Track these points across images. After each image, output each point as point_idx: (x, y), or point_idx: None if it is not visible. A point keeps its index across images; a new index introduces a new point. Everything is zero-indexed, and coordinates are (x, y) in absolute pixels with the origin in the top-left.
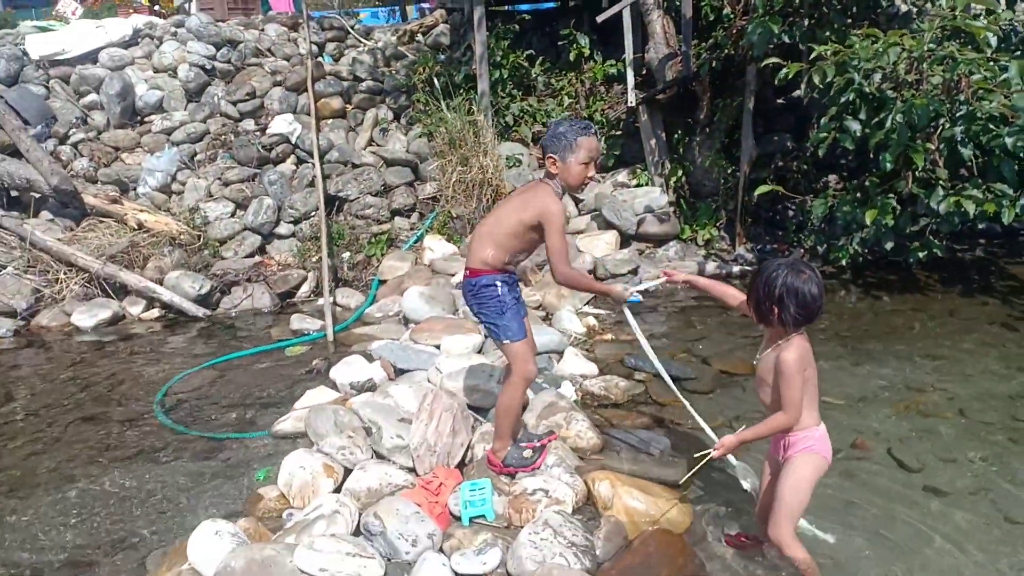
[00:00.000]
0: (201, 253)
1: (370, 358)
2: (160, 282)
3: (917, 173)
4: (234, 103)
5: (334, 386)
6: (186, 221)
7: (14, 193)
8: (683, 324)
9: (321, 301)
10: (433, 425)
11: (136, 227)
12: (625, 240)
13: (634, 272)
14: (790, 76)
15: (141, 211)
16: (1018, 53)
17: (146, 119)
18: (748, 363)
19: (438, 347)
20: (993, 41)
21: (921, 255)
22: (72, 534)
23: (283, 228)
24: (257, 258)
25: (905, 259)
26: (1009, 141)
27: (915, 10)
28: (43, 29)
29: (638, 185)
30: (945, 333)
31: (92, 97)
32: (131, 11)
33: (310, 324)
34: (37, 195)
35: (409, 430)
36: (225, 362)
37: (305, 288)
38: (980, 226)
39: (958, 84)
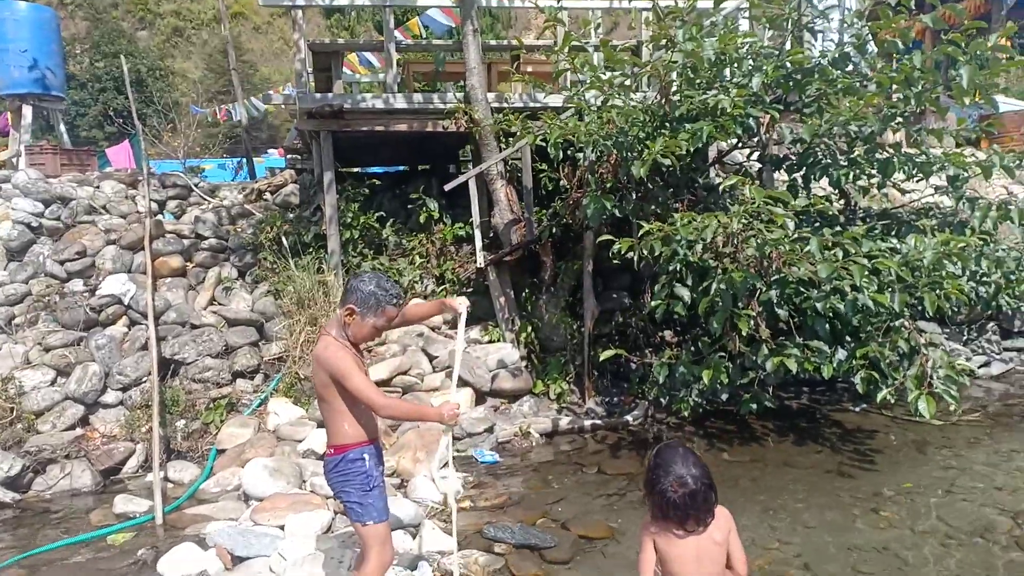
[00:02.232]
0: (13, 428)
1: (204, 545)
2: None
3: (743, 334)
4: (62, 262)
5: None
6: None
7: None
8: (540, 483)
9: (150, 477)
10: None
11: None
12: (480, 397)
13: (490, 431)
14: (623, 251)
15: None
16: (817, 228)
17: None
18: (606, 526)
19: (282, 527)
20: (791, 225)
21: (753, 407)
22: None
23: (110, 396)
24: (79, 431)
25: (738, 410)
26: (819, 305)
27: (726, 184)
28: None
29: (490, 341)
30: (782, 485)
31: None
32: None
33: (137, 506)
34: None
35: None
36: (35, 556)
37: (133, 462)
38: (803, 376)
39: (769, 257)
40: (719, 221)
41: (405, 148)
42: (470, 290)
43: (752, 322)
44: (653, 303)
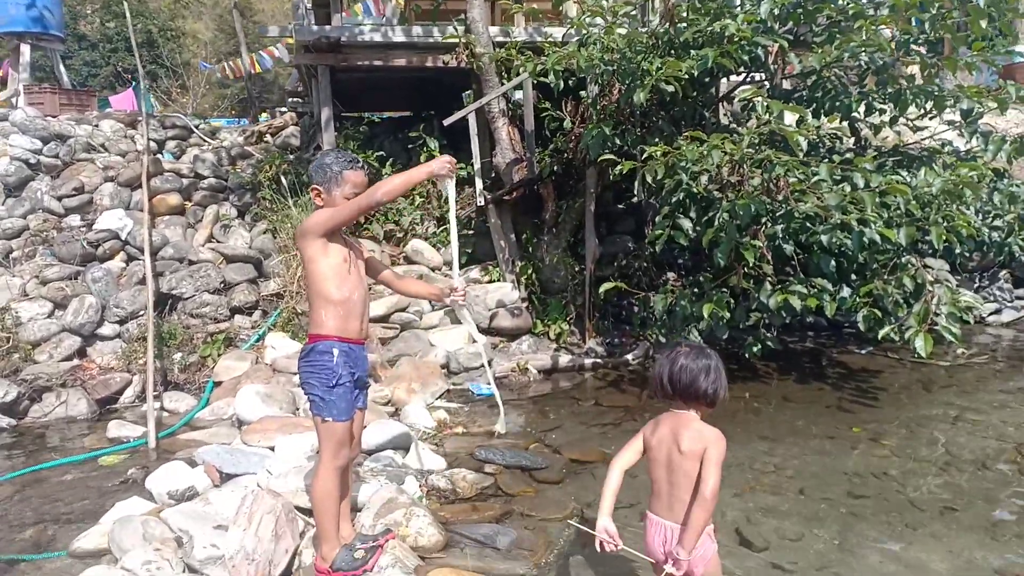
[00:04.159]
0: (10, 357)
1: (194, 464)
2: None
3: (747, 269)
4: (59, 198)
5: (151, 497)
6: None
7: None
8: (537, 415)
9: (145, 407)
10: (252, 530)
11: None
12: (479, 332)
13: (488, 364)
14: (623, 172)
15: None
16: (826, 160)
17: None
18: (599, 451)
19: (272, 448)
20: (804, 144)
21: (755, 348)
22: None
23: (107, 328)
24: (75, 361)
25: (741, 352)
26: (824, 239)
27: (734, 123)
28: None
29: (490, 281)
30: (782, 418)
31: None
32: None
33: (130, 431)
34: None
35: (225, 538)
36: (27, 475)
37: (129, 393)
38: (808, 319)
39: (776, 184)
40: (726, 149)
41: (406, 92)
42: (471, 231)
43: (757, 254)
44: (655, 233)
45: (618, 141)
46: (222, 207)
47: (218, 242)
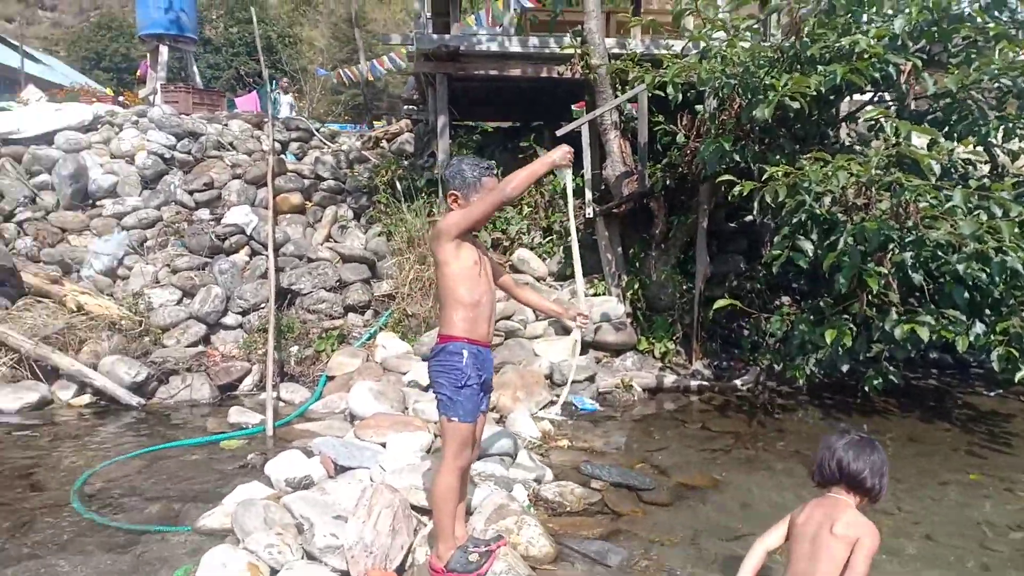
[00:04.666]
0: (141, 340)
1: (309, 454)
2: (95, 367)
3: (870, 297)
4: (190, 192)
5: (269, 483)
6: (129, 306)
7: None
8: (641, 434)
9: (263, 396)
10: (371, 523)
11: (75, 309)
12: (583, 347)
13: (591, 380)
14: (744, 193)
15: (82, 293)
16: (960, 185)
17: (98, 203)
18: (707, 475)
19: (384, 445)
20: (937, 169)
21: (877, 382)
22: None
23: (230, 319)
24: (200, 348)
25: (860, 385)
26: (960, 268)
27: (858, 143)
28: (0, 109)
29: (595, 294)
30: (906, 457)
31: (44, 178)
32: (95, 100)
33: (249, 418)
34: None
35: (344, 528)
36: (155, 452)
37: (248, 381)
38: (932, 355)
39: (906, 209)
40: (852, 170)
41: (517, 102)
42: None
43: (883, 281)
44: (772, 253)
45: (736, 157)
46: (340, 208)
47: (335, 242)
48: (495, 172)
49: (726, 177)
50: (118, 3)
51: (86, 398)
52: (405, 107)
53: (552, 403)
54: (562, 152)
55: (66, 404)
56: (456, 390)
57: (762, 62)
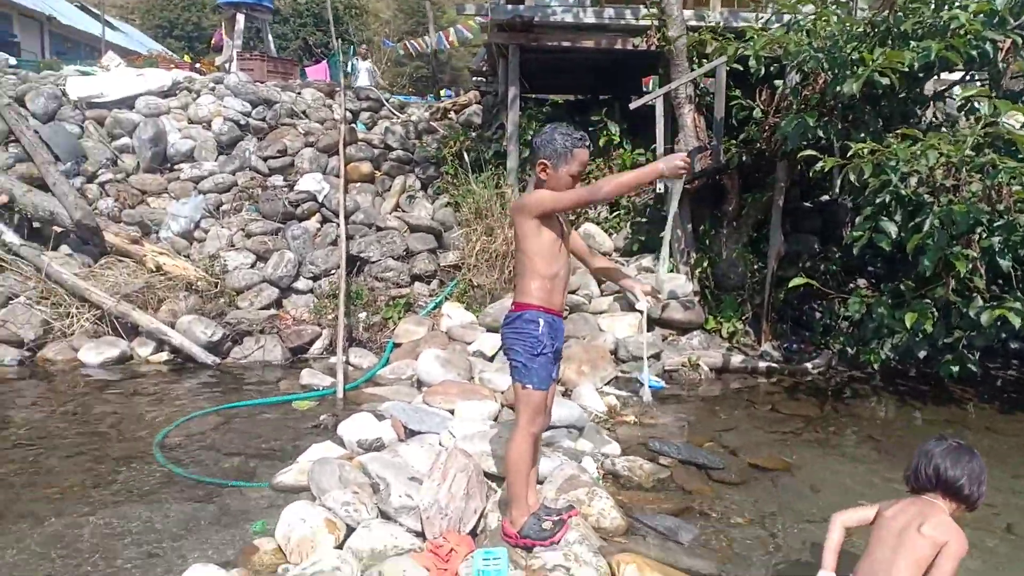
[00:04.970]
0: (217, 301)
1: (380, 417)
2: (172, 325)
3: (959, 277)
4: (264, 159)
5: (341, 443)
6: (205, 268)
7: (36, 225)
8: (708, 414)
9: (333, 359)
10: (446, 486)
11: (154, 269)
12: (649, 324)
13: (657, 357)
14: (825, 170)
15: (161, 254)
16: None
17: (175, 166)
18: (777, 457)
19: (451, 412)
20: None
21: (954, 369)
22: (53, 569)
23: (302, 283)
24: (273, 311)
25: (937, 371)
26: None
27: (946, 123)
28: (84, 73)
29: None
30: (984, 448)
31: (124, 140)
32: (173, 67)
33: (320, 380)
34: (59, 229)
35: (419, 490)
36: (230, 410)
37: (318, 345)
38: (1013, 345)
39: (998, 192)
40: (942, 150)
41: (587, 75)
42: (644, 219)
43: (969, 265)
44: (854, 234)
45: (820, 133)
46: (408, 178)
47: (403, 211)
48: (587, 143)
49: (809, 152)
50: None
51: (164, 355)
52: (474, 79)
53: (637, 384)
54: (673, 166)
55: (145, 360)
56: (531, 357)
57: (852, 36)
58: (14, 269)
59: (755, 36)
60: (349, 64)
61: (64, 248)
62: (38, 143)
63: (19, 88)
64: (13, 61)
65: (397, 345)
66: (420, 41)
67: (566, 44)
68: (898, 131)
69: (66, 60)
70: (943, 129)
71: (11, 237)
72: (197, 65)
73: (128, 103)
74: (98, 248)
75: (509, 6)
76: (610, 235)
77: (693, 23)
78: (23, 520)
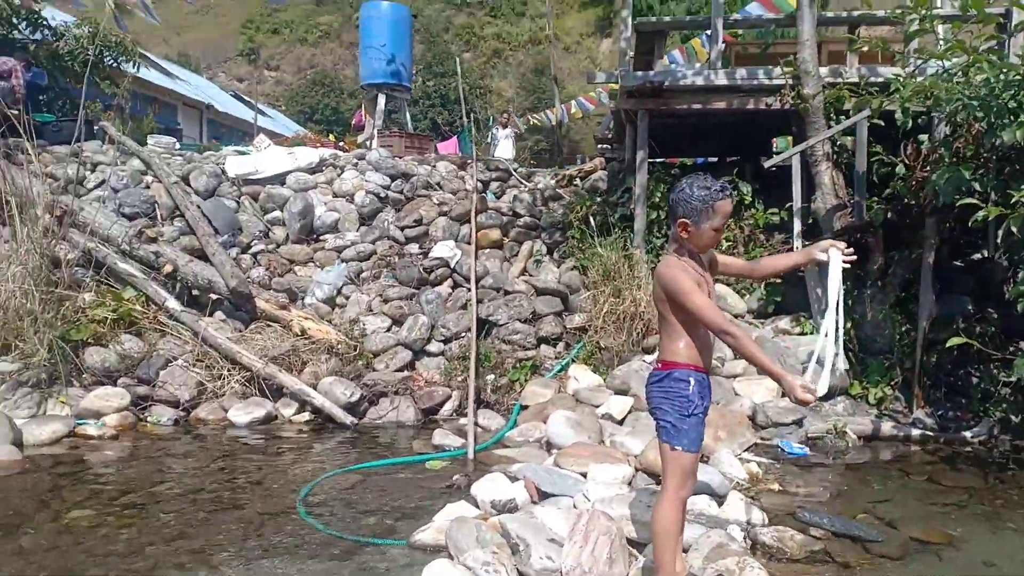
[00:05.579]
0: (355, 363)
1: (512, 478)
2: (314, 387)
3: None
4: (402, 228)
5: (474, 503)
6: (345, 332)
7: (195, 293)
8: (859, 483)
9: (463, 420)
10: (588, 549)
11: (299, 333)
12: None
13: (798, 424)
14: (990, 218)
15: (306, 319)
16: None
17: (321, 237)
18: (940, 531)
19: (584, 475)
20: None
21: None
22: None
23: (433, 346)
24: (406, 373)
25: None
26: None
27: None
28: (241, 153)
29: (801, 333)
30: None
31: (276, 214)
32: (319, 145)
33: (451, 441)
34: (215, 296)
35: (560, 552)
36: (367, 469)
37: (448, 406)
38: None
39: None
40: None
41: (715, 137)
42: (780, 280)
43: None
44: (1020, 288)
45: (976, 186)
46: (535, 243)
47: (530, 275)
48: (728, 192)
49: (968, 200)
50: (331, 62)
51: (305, 415)
52: (599, 146)
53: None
54: (804, 391)
55: (288, 420)
56: (682, 418)
57: (1008, 83)
58: (174, 334)
59: (901, 87)
60: (490, 135)
61: (219, 314)
62: (200, 217)
63: (184, 168)
64: (178, 145)
65: (524, 407)
66: (542, 115)
67: (696, 106)
68: None
69: (222, 143)
70: None
71: (173, 304)
72: (341, 143)
73: (280, 179)
74: (249, 314)
75: (639, 72)
76: (742, 296)
77: (829, 80)
78: (174, 570)
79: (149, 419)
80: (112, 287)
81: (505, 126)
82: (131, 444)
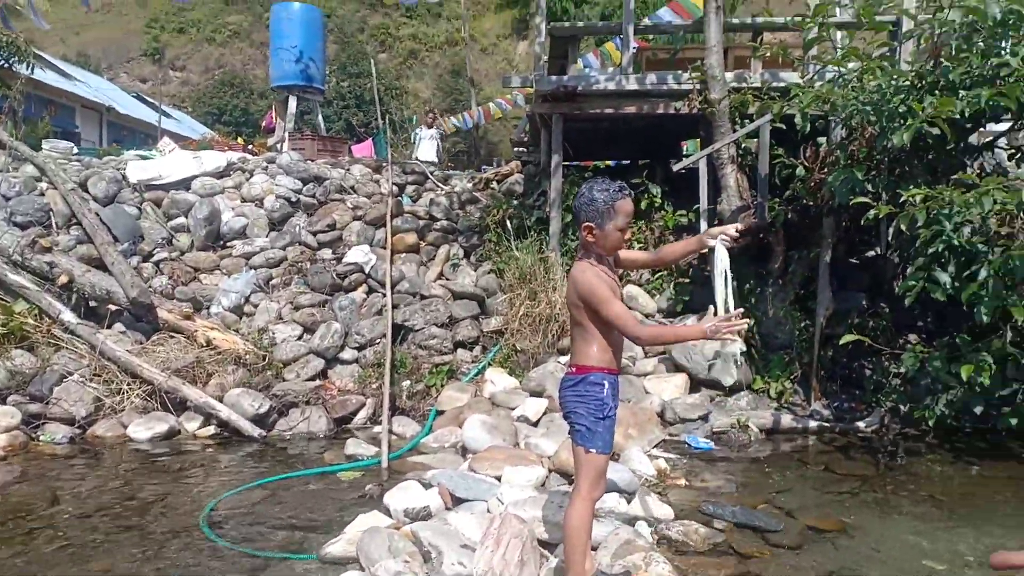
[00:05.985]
0: (264, 373)
1: (426, 485)
2: (220, 399)
3: (1018, 324)
4: (314, 233)
5: (387, 512)
6: (253, 341)
7: (93, 304)
8: (760, 475)
9: (377, 428)
10: (500, 552)
11: (204, 344)
12: (695, 385)
13: (704, 419)
14: (880, 216)
15: (212, 329)
16: None
17: (228, 244)
18: (835, 519)
19: (499, 478)
20: None
21: (1013, 421)
22: None
23: (347, 354)
24: (318, 382)
25: (994, 425)
26: None
27: (996, 172)
28: (144, 157)
29: None
30: None
31: (180, 220)
32: (227, 148)
33: (364, 450)
34: (114, 307)
35: (472, 557)
36: (276, 482)
37: (362, 414)
38: None
39: None
40: (996, 197)
41: (626, 141)
42: (687, 279)
43: None
44: (908, 283)
45: (868, 187)
46: (452, 247)
47: (447, 279)
48: (627, 192)
49: (860, 199)
50: (240, 62)
51: (211, 429)
52: (515, 149)
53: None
54: (714, 327)
55: (192, 435)
56: (596, 421)
57: (899, 88)
58: (69, 347)
59: (800, 93)
60: (413, 135)
61: (118, 326)
62: (98, 225)
63: (83, 174)
64: (76, 149)
65: (440, 413)
66: (459, 116)
67: (608, 111)
68: (952, 177)
69: (124, 147)
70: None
71: (68, 316)
72: (250, 146)
73: (185, 184)
74: (151, 325)
75: (553, 77)
76: (653, 296)
77: (734, 85)
78: None
79: (42, 438)
80: (2, 300)
81: (430, 126)
82: (22, 465)
